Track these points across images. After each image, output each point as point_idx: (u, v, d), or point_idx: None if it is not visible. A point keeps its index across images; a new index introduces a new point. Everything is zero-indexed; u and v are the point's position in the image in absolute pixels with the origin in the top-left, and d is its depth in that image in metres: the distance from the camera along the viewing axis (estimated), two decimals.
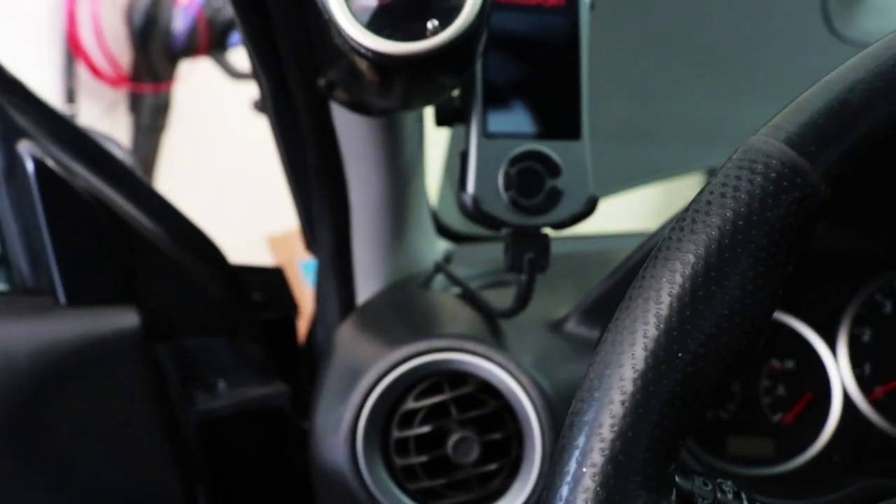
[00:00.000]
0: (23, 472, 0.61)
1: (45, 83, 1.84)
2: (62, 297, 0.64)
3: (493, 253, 0.86)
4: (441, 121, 0.56)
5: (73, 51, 1.82)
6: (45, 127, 0.65)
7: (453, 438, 0.55)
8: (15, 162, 0.64)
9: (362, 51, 0.41)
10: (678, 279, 0.27)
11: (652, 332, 0.27)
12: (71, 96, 1.84)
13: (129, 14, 1.85)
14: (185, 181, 2.07)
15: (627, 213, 1.66)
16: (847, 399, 0.63)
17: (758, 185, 0.27)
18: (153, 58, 1.87)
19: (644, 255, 0.57)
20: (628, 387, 0.26)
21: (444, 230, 0.81)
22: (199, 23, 1.82)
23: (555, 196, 0.52)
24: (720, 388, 0.28)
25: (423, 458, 0.56)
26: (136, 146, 1.92)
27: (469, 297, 0.64)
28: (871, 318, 0.64)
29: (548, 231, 0.54)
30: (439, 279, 0.70)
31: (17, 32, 1.80)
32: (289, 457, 0.79)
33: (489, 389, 0.57)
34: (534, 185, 0.52)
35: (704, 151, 1.10)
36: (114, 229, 0.66)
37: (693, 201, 0.28)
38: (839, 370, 0.64)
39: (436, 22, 0.41)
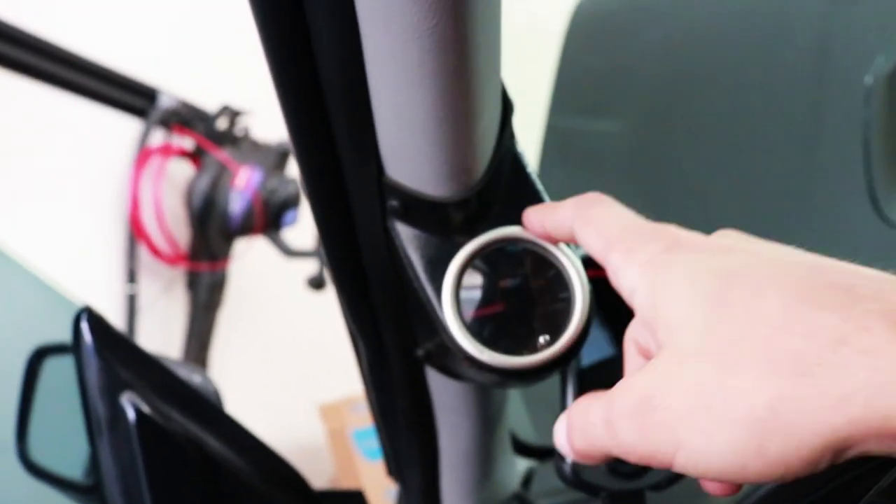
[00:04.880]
0: None
1: (108, 265, 1.92)
2: None
3: None
4: None
5: (136, 233, 1.90)
6: (145, 377, 0.68)
7: None
8: (118, 413, 0.67)
9: (476, 363, 0.44)
10: None
11: None
12: (132, 276, 1.91)
13: (188, 197, 1.94)
14: (239, 353, 2.12)
15: None
16: None
17: None
18: (210, 238, 1.95)
19: None
20: None
21: (520, 447, 0.82)
22: (255, 204, 1.90)
23: None
24: None
25: None
26: (193, 322, 1.97)
27: None
28: None
29: None
30: None
31: (84, 218, 1.89)
32: None
33: None
34: None
35: None
36: (206, 469, 0.68)
37: None
38: None
39: (547, 337, 0.43)
